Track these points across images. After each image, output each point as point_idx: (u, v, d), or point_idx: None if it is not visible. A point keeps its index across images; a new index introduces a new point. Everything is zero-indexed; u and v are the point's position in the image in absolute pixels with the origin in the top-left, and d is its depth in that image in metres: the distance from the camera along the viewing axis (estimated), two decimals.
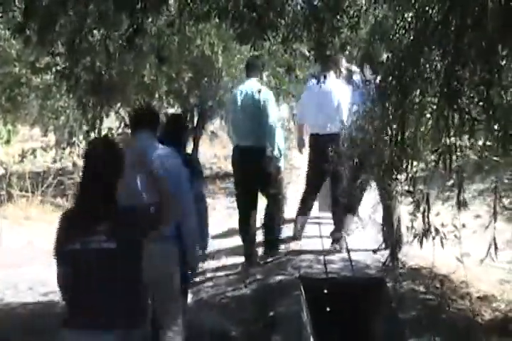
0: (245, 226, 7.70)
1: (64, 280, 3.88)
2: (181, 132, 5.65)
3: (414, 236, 4.46)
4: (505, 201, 5.46)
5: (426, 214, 4.44)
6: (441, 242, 4.43)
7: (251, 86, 7.69)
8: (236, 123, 7.73)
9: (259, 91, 7.50)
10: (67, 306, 3.93)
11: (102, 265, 3.76)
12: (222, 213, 10.70)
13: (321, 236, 8.14)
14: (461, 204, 4.45)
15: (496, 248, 4.27)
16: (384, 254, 7.22)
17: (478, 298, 6.68)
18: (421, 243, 4.47)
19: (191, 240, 4.92)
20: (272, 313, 6.36)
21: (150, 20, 7.16)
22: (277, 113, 7.49)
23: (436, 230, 4.49)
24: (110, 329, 3.71)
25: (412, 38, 4.60)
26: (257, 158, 7.39)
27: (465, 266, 6.84)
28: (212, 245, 6.98)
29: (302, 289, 6.75)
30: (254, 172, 7.45)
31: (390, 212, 7.10)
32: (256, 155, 7.38)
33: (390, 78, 4.52)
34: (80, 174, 4.08)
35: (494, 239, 4.28)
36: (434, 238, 4.44)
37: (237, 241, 8.42)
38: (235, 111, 7.72)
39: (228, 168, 14.24)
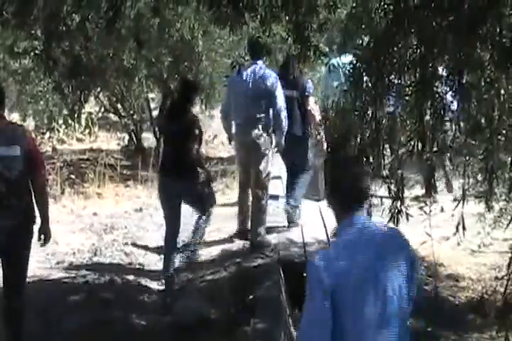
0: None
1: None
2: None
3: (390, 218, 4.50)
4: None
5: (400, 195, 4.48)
6: (407, 218, 4.47)
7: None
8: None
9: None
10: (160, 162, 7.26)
11: (175, 138, 6.80)
12: None
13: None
14: (431, 189, 4.51)
15: (463, 229, 4.33)
16: None
17: (455, 279, 6.76)
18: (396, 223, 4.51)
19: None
20: (251, 296, 6.38)
21: (129, 3, 7.13)
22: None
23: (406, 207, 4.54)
24: (177, 179, 6.68)
25: (390, 21, 4.62)
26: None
27: (442, 248, 6.94)
28: None
29: (281, 272, 6.78)
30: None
31: None
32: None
33: (367, 61, 4.54)
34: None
35: (463, 220, 4.34)
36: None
37: (216, 224, 8.46)
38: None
39: (208, 152, 14.27)
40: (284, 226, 8.09)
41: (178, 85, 7.42)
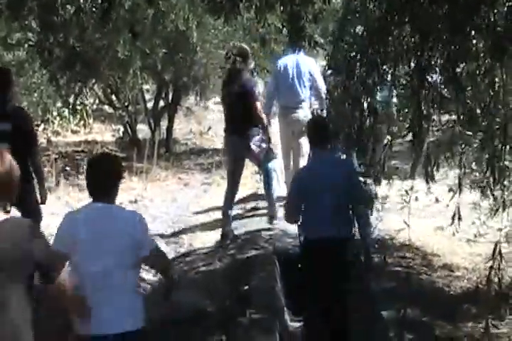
0: None
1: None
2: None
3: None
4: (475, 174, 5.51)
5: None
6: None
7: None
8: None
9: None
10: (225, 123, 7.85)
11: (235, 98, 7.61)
12: (197, 189, 10.70)
13: None
14: (429, 178, 4.54)
15: (459, 219, 4.34)
16: None
17: (450, 269, 6.77)
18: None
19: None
20: (246, 287, 6.38)
21: None
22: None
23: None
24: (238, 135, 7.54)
25: (384, 10, 4.62)
26: None
27: (437, 238, 6.94)
28: None
29: (276, 263, 6.79)
30: None
31: None
32: None
33: (362, 51, 4.54)
34: None
35: (458, 210, 4.35)
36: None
37: (212, 216, 8.50)
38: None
39: (203, 143, 14.26)
40: None
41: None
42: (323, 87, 8.12)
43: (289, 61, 8.57)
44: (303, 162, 8.11)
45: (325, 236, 5.29)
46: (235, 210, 8.28)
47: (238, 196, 9.67)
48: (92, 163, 4.25)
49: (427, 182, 5.02)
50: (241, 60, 7.69)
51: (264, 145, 7.63)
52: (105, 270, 3.88)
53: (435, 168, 4.86)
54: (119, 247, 3.92)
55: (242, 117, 7.55)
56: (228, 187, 7.88)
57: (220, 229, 7.86)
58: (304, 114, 8.30)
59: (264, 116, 7.67)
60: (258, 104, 7.60)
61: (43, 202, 6.65)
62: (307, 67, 8.49)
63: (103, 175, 4.02)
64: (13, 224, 3.41)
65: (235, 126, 7.68)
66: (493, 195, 4.72)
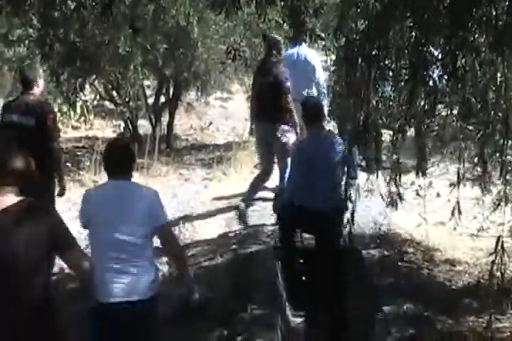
0: None
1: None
2: None
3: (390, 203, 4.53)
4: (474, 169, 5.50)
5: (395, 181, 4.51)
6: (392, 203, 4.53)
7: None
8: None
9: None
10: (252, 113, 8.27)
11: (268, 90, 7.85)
12: (198, 184, 10.70)
13: None
14: (421, 172, 4.55)
15: (459, 213, 4.34)
16: None
17: (452, 264, 6.77)
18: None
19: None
20: (247, 282, 6.39)
21: None
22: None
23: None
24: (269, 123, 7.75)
25: (385, 4, 4.60)
26: None
27: (438, 233, 6.93)
28: None
29: (278, 258, 6.79)
30: None
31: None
32: None
33: (362, 45, 4.53)
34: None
35: (458, 203, 4.34)
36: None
37: (213, 212, 8.50)
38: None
39: (204, 139, 14.24)
40: None
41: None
42: (322, 79, 8.52)
43: (291, 54, 8.88)
44: None
45: (315, 204, 6.08)
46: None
47: (240, 190, 9.74)
48: (111, 144, 4.91)
49: (417, 175, 5.05)
50: (276, 51, 7.83)
51: (291, 136, 7.76)
52: (120, 240, 4.25)
53: (436, 162, 4.87)
54: (134, 218, 4.31)
55: (273, 107, 7.69)
56: (262, 171, 8.21)
57: (221, 225, 7.88)
58: None
59: (293, 108, 7.75)
60: (289, 96, 7.70)
61: (62, 194, 7.09)
62: (308, 59, 8.83)
63: (120, 154, 4.59)
64: (26, 205, 3.65)
65: (266, 115, 7.81)
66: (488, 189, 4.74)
